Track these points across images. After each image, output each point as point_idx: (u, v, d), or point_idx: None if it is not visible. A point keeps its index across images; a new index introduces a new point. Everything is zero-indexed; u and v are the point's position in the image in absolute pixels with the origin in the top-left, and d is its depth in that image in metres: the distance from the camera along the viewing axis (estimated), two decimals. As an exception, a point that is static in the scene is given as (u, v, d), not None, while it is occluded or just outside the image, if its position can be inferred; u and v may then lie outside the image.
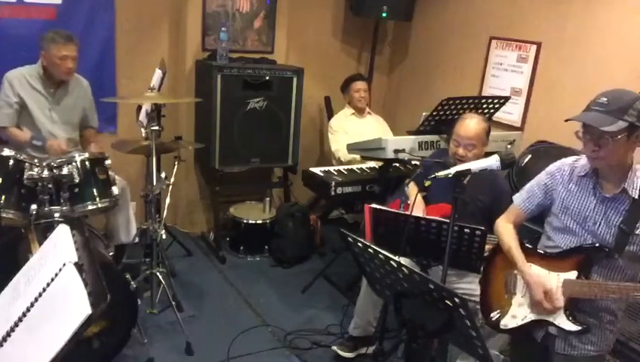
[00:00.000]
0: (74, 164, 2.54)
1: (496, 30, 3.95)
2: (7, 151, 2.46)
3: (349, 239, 1.92)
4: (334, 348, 2.99)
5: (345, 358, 2.94)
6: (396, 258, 1.78)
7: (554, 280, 1.96)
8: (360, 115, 4.13)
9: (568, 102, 3.49)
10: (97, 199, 2.61)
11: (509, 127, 3.84)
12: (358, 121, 4.11)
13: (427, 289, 1.70)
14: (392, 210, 2.50)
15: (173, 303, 3.03)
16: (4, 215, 2.39)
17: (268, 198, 4.23)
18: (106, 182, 2.67)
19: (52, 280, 1.25)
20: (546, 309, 1.95)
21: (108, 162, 2.69)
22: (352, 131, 3.99)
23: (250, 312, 3.39)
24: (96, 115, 3.47)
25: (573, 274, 1.93)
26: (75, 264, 1.24)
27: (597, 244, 1.89)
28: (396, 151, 3.23)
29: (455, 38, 4.30)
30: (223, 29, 3.85)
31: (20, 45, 3.38)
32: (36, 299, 1.24)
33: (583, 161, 1.98)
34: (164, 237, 3.04)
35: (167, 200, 3.23)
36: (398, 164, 3.57)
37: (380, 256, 1.82)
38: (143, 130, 3.20)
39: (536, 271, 2.01)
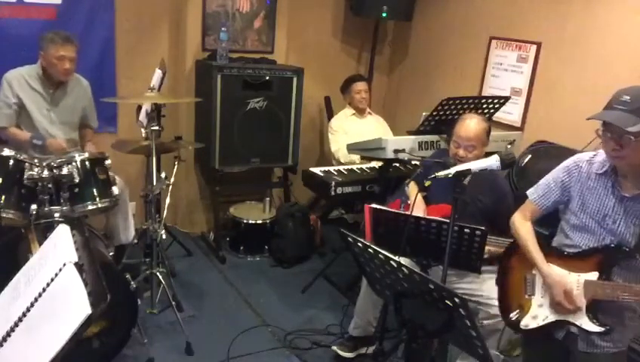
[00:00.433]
0: (74, 164, 2.54)
1: (496, 30, 3.95)
2: (7, 151, 2.46)
3: (349, 239, 1.92)
4: (334, 348, 2.99)
5: (345, 358, 2.94)
6: (396, 258, 1.78)
7: (574, 281, 1.95)
8: (360, 115, 4.13)
9: (568, 102, 3.50)
10: (97, 199, 2.61)
11: (509, 127, 3.84)
12: (358, 122, 4.11)
13: (427, 289, 1.70)
14: (392, 210, 2.50)
15: (173, 303, 3.03)
16: (4, 215, 2.39)
17: (268, 198, 4.23)
18: (106, 182, 2.67)
19: (52, 280, 1.25)
20: (567, 310, 1.94)
21: (108, 162, 2.69)
22: (352, 131, 3.99)
23: (250, 312, 3.39)
24: (96, 115, 3.47)
25: (594, 275, 1.91)
26: (75, 264, 1.24)
27: (615, 244, 1.86)
28: (396, 151, 3.22)
29: (455, 38, 4.30)
30: (223, 29, 3.85)
31: (20, 45, 3.38)
32: (36, 299, 1.24)
33: (600, 157, 1.94)
34: (164, 237, 3.03)
35: (167, 200, 3.23)
36: (398, 164, 3.57)
37: (379, 256, 1.82)
38: (143, 130, 3.20)
39: (555, 271, 1.99)
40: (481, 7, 4.07)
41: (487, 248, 2.41)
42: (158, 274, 3.01)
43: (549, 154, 3.31)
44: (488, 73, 4.03)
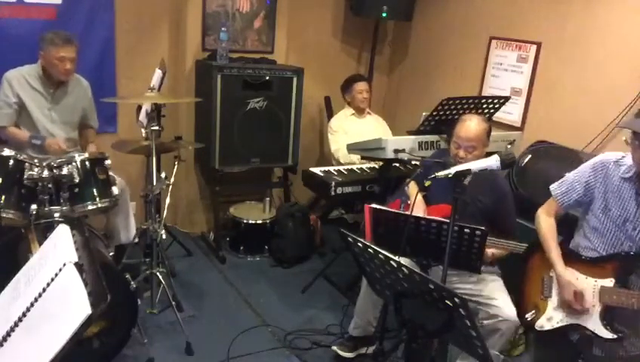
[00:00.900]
0: (74, 164, 2.54)
1: (496, 30, 3.95)
2: (7, 151, 2.46)
3: (349, 239, 1.92)
4: (334, 348, 2.99)
5: (345, 358, 2.94)
6: (396, 258, 1.78)
7: (590, 286, 1.94)
8: (360, 115, 4.13)
9: (568, 102, 3.50)
10: (97, 199, 2.61)
11: (509, 127, 3.84)
12: (357, 121, 4.11)
13: (427, 289, 1.70)
14: (392, 210, 2.50)
15: (173, 303, 3.03)
16: (4, 215, 2.39)
17: (268, 198, 4.23)
18: (106, 182, 2.67)
19: (52, 280, 1.25)
20: (576, 310, 1.93)
21: (108, 162, 2.69)
22: (352, 131, 3.99)
23: (250, 312, 3.39)
24: (96, 115, 3.47)
25: (610, 282, 1.91)
26: (75, 264, 1.24)
27: (634, 252, 1.85)
28: (396, 151, 3.22)
29: (455, 38, 4.30)
30: (223, 29, 3.85)
31: (20, 45, 3.37)
32: (36, 299, 1.24)
33: (628, 160, 1.92)
34: (164, 237, 3.03)
35: (167, 200, 3.23)
36: (398, 164, 3.57)
37: (379, 256, 1.82)
38: (143, 130, 3.20)
39: (570, 273, 1.98)
40: (481, 7, 4.07)
41: (489, 251, 2.41)
42: (158, 274, 3.01)
43: (549, 154, 3.32)
44: (488, 73, 4.03)
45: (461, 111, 3.28)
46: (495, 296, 2.53)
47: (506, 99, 3.53)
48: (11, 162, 2.45)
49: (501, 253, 2.55)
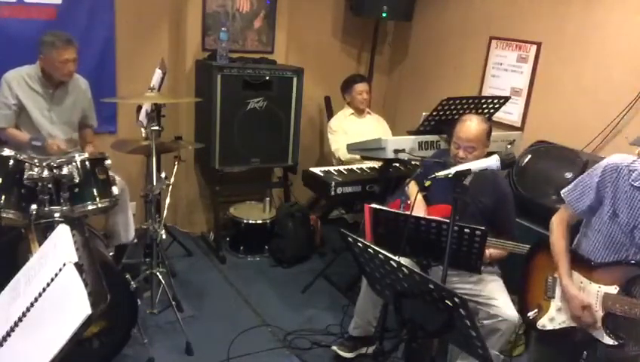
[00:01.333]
0: (74, 164, 2.54)
1: (496, 30, 3.95)
2: (7, 152, 2.46)
3: (349, 239, 1.92)
4: (334, 348, 2.98)
5: (345, 358, 2.94)
6: (396, 258, 1.78)
7: (593, 292, 1.93)
8: (360, 115, 4.13)
9: (568, 102, 3.50)
10: (97, 199, 2.61)
11: (509, 127, 3.84)
12: (357, 121, 4.11)
13: (427, 289, 1.70)
14: (392, 210, 2.50)
15: (173, 303, 3.03)
16: (4, 215, 2.39)
17: (268, 198, 4.23)
18: (106, 182, 2.66)
19: (52, 280, 1.25)
20: (586, 323, 1.92)
21: (108, 162, 2.68)
22: (352, 131, 3.99)
23: (250, 312, 3.39)
24: (95, 115, 3.47)
25: (614, 289, 1.89)
26: (75, 264, 1.24)
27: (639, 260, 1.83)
28: (396, 151, 3.22)
29: (455, 38, 4.29)
30: (223, 29, 3.85)
31: (20, 45, 3.37)
32: (36, 299, 1.24)
33: (639, 165, 1.87)
34: (164, 237, 3.03)
35: (167, 200, 3.23)
36: (398, 164, 3.57)
37: (379, 256, 1.82)
38: (143, 130, 3.20)
39: (576, 281, 1.97)
40: (481, 7, 4.07)
41: (487, 251, 2.41)
42: (158, 274, 3.01)
43: (549, 154, 3.32)
44: (488, 73, 4.03)
45: (461, 112, 3.28)
46: (495, 296, 2.54)
47: (506, 99, 3.53)
48: (11, 162, 2.45)
49: (500, 253, 2.55)
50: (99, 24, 3.74)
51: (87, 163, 2.60)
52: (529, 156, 3.35)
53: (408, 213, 2.25)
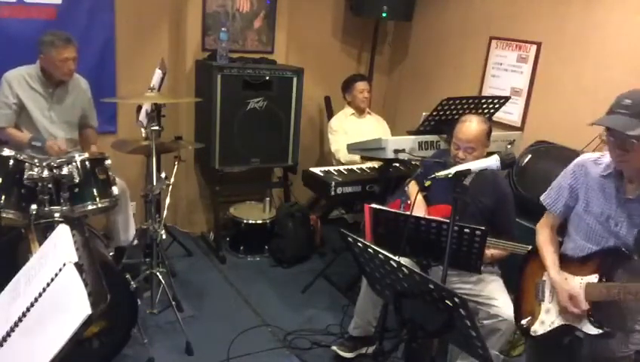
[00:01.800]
0: (74, 164, 2.54)
1: (496, 30, 3.95)
2: (7, 152, 2.46)
3: (349, 239, 1.92)
4: (334, 348, 2.98)
5: (345, 358, 2.94)
6: (396, 258, 1.78)
7: (577, 285, 1.95)
8: (360, 114, 4.13)
9: (568, 102, 3.50)
10: (97, 199, 2.62)
11: (509, 127, 3.84)
12: (357, 121, 4.11)
13: (427, 289, 1.70)
14: (392, 210, 2.50)
15: (173, 303, 3.03)
16: (4, 215, 2.39)
17: (268, 198, 4.23)
18: (106, 182, 2.67)
19: (52, 280, 1.25)
20: (573, 313, 1.94)
21: (108, 162, 2.69)
22: (352, 131, 3.99)
23: (250, 312, 3.39)
24: (96, 115, 3.47)
25: (595, 278, 1.91)
26: (75, 264, 1.24)
27: (614, 246, 1.86)
28: (396, 151, 3.22)
29: (455, 38, 4.30)
30: (223, 29, 3.85)
31: (20, 45, 3.37)
32: (36, 299, 1.24)
33: (606, 158, 1.93)
34: (164, 237, 3.04)
35: (167, 200, 3.22)
36: (398, 164, 3.57)
37: (379, 256, 1.82)
38: (143, 130, 3.20)
39: (563, 276, 1.99)
40: (481, 7, 4.07)
41: (487, 252, 2.41)
42: (158, 274, 3.01)
43: (549, 154, 3.32)
44: (488, 73, 4.03)
45: (461, 112, 3.28)
46: (495, 296, 2.54)
47: (506, 99, 3.53)
48: (11, 162, 2.45)
49: (500, 253, 2.55)
50: (99, 24, 3.74)
51: (87, 163, 2.60)
52: (529, 156, 3.35)
53: (408, 213, 2.25)
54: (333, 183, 3.41)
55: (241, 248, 4.10)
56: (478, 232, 2.17)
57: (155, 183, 2.92)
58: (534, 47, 3.68)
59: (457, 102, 3.29)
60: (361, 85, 4.09)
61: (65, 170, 2.49)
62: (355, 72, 4.53)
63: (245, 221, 4.07)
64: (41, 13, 3.52)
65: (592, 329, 1.91)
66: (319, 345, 3.09)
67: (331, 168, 3.70)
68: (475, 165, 2.05)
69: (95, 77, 3.60)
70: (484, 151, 2.64)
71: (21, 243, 2.47)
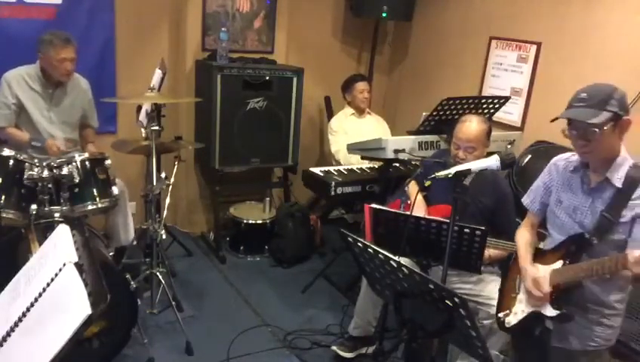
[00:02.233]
0: (74, 164, 2.54)
1: (496, 30, 3.95)
2: (7, 152, 2.46)
3: (349, 239, 1.92)
4: (334, 348, 2.98)
5: (345, 358, 2.94)
6: (396, 258, 1.78)
7: (544, 273, 1.99)
8: (360, 115, 4.13)
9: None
10: (97, 199, 2.62)
11: (509, 127, 3.84)
12: (357, 121, 4.11)
13: (427, 289, 1.70)
14: (392, 210, 2.50)
15: (173, 303, 3.03)
16: (4, 215, 2.39)
17: (268, 198, 4.23)
18: (106, 182, 2.67)
19: (52, 280, 1.25)
20: (535, 297, 1.97)
21: (108, 162, 2.69)
22: (352, 131, 3.99)
23: (250, 312, 3.39)
24: (96, 115, 3.47)
25: (559, 264, 1.96)
26: (75, 264, 1.24)
27: (577, 233, 1.91)
28: (396, 151, 3.23)
29: (455, 38, 4.30)
30: (223, 29, 3.85)
31: (20, 45, 3.37)
32: (36, 299, 1.24)
33: (577, 156, 1.99)
34: (164, 237, 3.03)
35: (167, 200, 3.22)
36: (398, 164, 3.57)
37: (379, 256, 1.82)
38: (143, 130, 3.20)
39: (535, 267, 2.03)
40: (481, 7, 4.07)
41: (486, 252, 2.41)
42: (158, 274, 3.01)
43: (549, 154, 3.29)
44: (488, 73, 4.03)
45: (461, 112, 3.28)
46: (495, 296, 2.52)
47: (506, 99, 3.53)
48: (11, 162, 2.45)
49: (498, 253, 2.55)
50: (99, 24, 3.74)
51: (87, 163, 2.60)
52: (529, 156, 3.35)
53: (408, 213, 2.25)
54: (333, 183, 3.41)
55: (241, 248, 4.10)
56: (478, 232, 2.18)
57: (155, 183, 2.92)
58: (534, 47, 3.68)
59: (457, 102, 3.29)
60: (361, 85, 4.09)
61: (65, 170, 2.49)
62: (355, 72, 4.54)
63: (245, 221, 4.07)
64: (41, 13, 3.52)
65: (551, 311, 1.94)
66: (319, 345, 3.10)
67: (331, 168, 3.70)
68: (475, 165, 2.05)
69: (95, 77, 3.60)
70: (484, 151, 2.64)
71: (21, 243, 2.47)
